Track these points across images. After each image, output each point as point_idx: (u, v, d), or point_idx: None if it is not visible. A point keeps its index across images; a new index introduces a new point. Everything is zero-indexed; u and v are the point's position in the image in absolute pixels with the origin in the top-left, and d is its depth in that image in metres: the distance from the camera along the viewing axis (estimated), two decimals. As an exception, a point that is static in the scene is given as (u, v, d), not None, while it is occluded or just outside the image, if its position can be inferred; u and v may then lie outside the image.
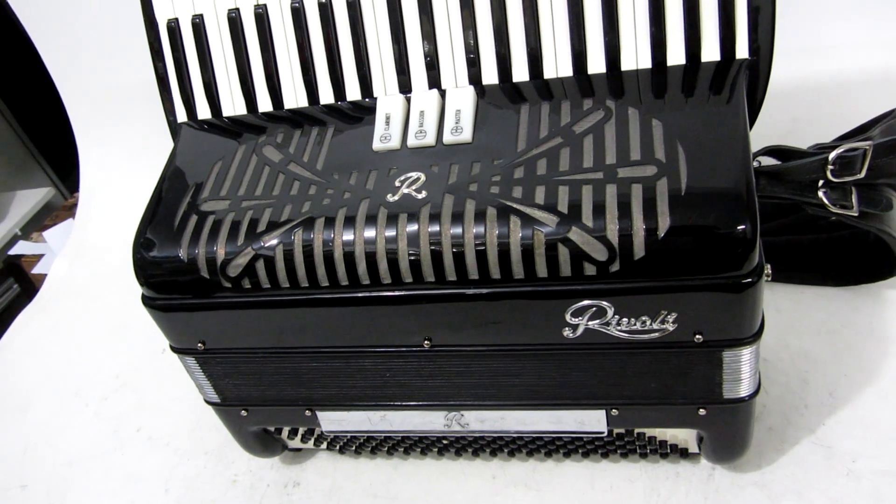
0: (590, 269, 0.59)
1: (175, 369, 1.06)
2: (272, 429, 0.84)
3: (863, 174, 0.70)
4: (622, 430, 0.74)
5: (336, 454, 0.90)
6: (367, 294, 0.65)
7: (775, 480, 0.76)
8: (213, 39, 0.78)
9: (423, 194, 0.64)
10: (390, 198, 0.64)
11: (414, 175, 0.65)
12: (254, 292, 0.67)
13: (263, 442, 0.85)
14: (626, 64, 0.69)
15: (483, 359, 0.68)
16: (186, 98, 0.80)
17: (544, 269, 0.60)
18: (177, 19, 0.78)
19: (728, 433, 0.71)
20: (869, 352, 0.85)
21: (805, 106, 1.03)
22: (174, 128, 0.82)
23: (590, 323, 0.63)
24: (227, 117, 0.79)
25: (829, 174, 0.70)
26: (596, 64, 0.70)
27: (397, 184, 0.65)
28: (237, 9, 0.76)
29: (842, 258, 0.91)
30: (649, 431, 0.75)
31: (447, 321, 0.65)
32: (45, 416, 1.07)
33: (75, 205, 1.65)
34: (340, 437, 0.84)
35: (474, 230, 0.61)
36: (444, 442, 0.81)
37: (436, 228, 0.62)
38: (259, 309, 0.68)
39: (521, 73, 0.71)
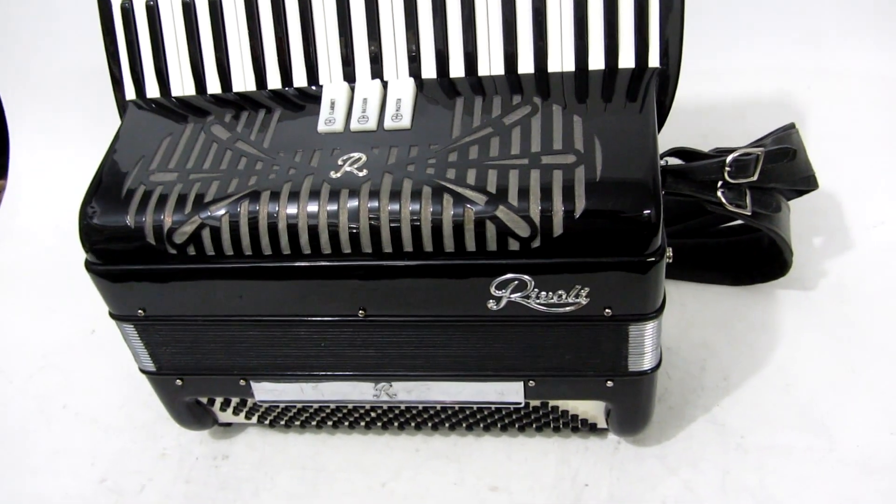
0: (514, 245, 0.66)
1: (104, 349, 1.09)
2: (204, 400, 0.87)
3: (755, 177, 0.79)
4: (538, 404, 0.81)
5: (265, 429, 0.93)
6: (307, 264, 0.69)
7: (673, 453, 0.84)
8: (167, 23, 0.81)
9: (364, 172, 0.69)
10: (333, 175, 0.69)
11: (356, 155, 0.70)
12: (198, 260, 0.71)
13: (195, 414, 0.88)
14: (553, 66, 0.76)
15: (413, 329, 0.73)
16: (136, 78, 0.83)
17: (473, 244, 0.66)
18: (131, 1, 0.81)
19: (632, 405, 0.78)
20: (760, 343, 0.94)
21: (713, 122, 1.13)
22: (122, 105, 0.84)
23: (512, 296, 0.69)
24: (175, 97, 0.82)
25: (726, 175, 0.78)
26: (525, 65, 0.76)
27: (339, 162, 0.70)
28: (192, -5, 0.80)
29: (740, 260, 1.01)
30: (562, 405, 0.81)
31: (382, 292, 0.70)
32: (-32, 394, 1.06)
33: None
34: (271, 411, 0.87)
35: (410, 206, 0.66)
36: (372, 415, 0.86)
37: (375, 204, 0.67)
38: (202, 277, 0.72)
39: (457, 69, 0.77)
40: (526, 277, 0.67)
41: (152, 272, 0.72)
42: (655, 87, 0.73)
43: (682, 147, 0.83)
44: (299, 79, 0.80)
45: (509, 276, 0.67)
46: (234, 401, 0.87)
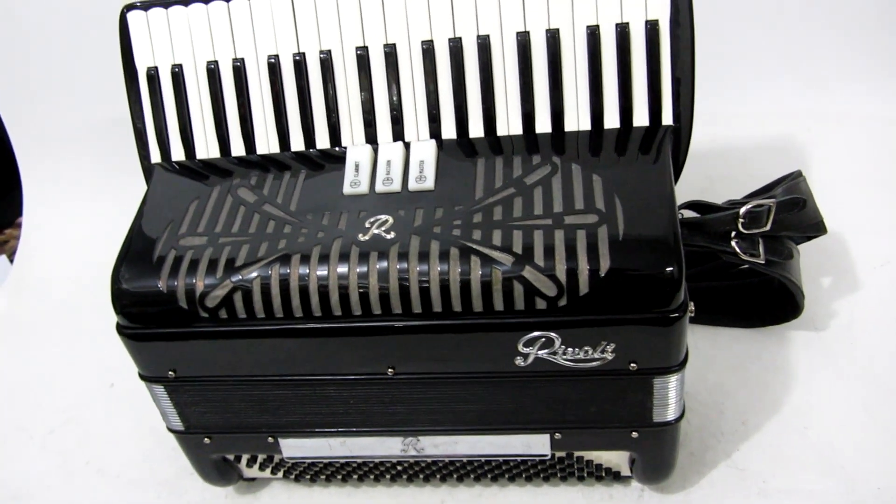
0: (540, 304, 0.67)
1: (124, 403, 1.09)
2: (231, 457, 0.88)
3: (768, 227, 0.81)
4: (563, 454, 0.82)
5: (290, 484, 0.93)
6: (338, 325, 0.71)
7: (697, 500, 0.85)
8: (191, 87, 0.83)
9: (392, 235, 0.70)
10: (361, 237, 0.71)
11: (383, 217, 0.72)
12: (230, 323, 0.72)
13: (221, 470, 0.88)
14: (569, 125, 0.79)
15: (441, 386, 0.75)
16: (161, 141, 0.85)
17: (501, 303, 0.68)
18: (156, 67, 0.83)
19: (657, 454, 0.79)
20: (775, 384, 0.96)
21: (718, 167, 1.15)
22: (148, 168, 0.86)
23: (539, 352, 0.70)
24: (200, 160, 0.84)
25: (740, 226, 0.81)
26: (542, 124, 0.79)
27: (367, 225, 0.72)
28: (216, 61, 0.82)
29: (751, 303, 1.02)
30: (587, 455, 0.82)
31: (410, 350, 0.72)
32: (-12, 450, 1.07)
33: (3, 242, 1.65)
34: (297, 466, 0.88)
35: (439, 268, 0.68)
36: (399, 468, 0.87)
37: (404, 265, 0.68)
38: (233, 338, 0.73)
39: (476, 129, 0.80)
40: (552, 334, 0.69)
41: (184, 335, 0.74)
42: (670, 144, 0.76)
43: (696, 200, 0.86)
44: (322, 140, 0.82)
45: (536, 333, 0.69)
46: (261, 457, 0.87)
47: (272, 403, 0.79)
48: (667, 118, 0.77)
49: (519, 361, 0.71)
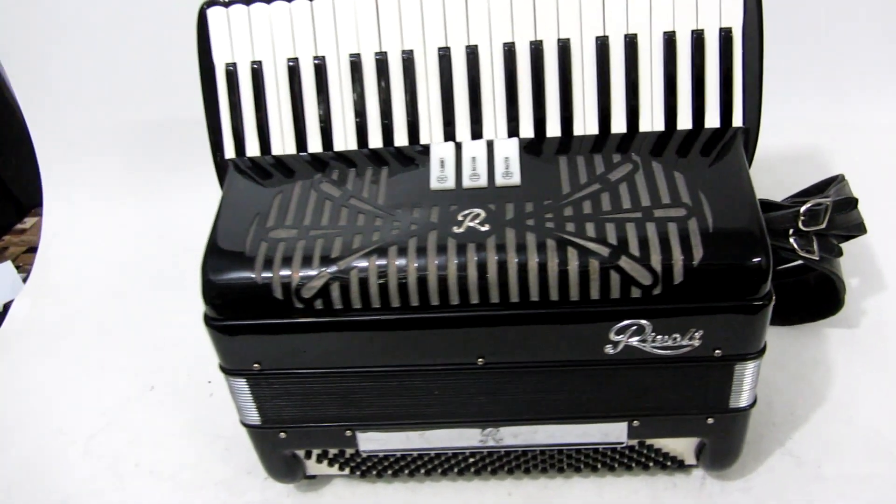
0: (635, 293, 0.70)
1: (166, 406, 1.08)
2: (301, 453, 0.88)
3: (824, 225, 0.86)
4: (634, 443, 0.84)
5: (351, 480, 0.94)
6: (434, 315, 0.72)
7: (758, 486, 0.88)
8: (269, 84, 0.84)
9: (487, 227, 0.73)
10: (456, 230, 0.73)
11: (475, 211, 0.74)
12: (324, 314, 0.73)
13: (290, 467, 0.89)
14: (643, 126, 0.82)
15: (528, 375, 0.77)
16: (237, 136, 0.85)
17: (597, 292, 0.70)
18: (235, 63, 0.84)
19: (729, 440, 0.82)
20: (816, 378, 1.00)
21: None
22: (220, 163, 0.87)
23: (630, 340, 0.73)
24: (275, 156, 0.85)
25: (800, 224, 0.85)
26: (618, 125, 0.82)
27: (460, 218, 0.74)
28: (297, 59, 0.84)
29: (788, 302, 1.07)
30: (657, 443, 0.85)
31: (504, 340, 0.74)
32: (27, 454, 1.04)
33: (5, 248, 1.61)
34: (367, 461, 0.88)
35: (537, 258, 0.70)
36: (470, 460, 0.88)
37: (502, 256, 0.71)
38: (327, 330, 0.74)
39: (553, 129, 0.83)
40: (644, 322, 0.72)
41: (275, 326, 0.74)
42: (742, 143, 0.80)
43: (759, 198, 0.90)
44: (400, 138, 0.84)
45: (628, 321, 0.72)
46: (332, 452, 0.88)
47: (355, 396, 0.80)
48: (737, 120, 0.81)
49: (608, 349, 0.74)
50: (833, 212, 0.86)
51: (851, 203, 0.88)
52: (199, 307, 1.25)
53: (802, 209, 0.84)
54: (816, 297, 1.04)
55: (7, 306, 1.40)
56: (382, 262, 0.71)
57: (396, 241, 0.72)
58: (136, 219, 1.42)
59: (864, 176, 1.04)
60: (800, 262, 0.89)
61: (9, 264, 1.51)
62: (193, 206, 1.42)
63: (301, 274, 0.72)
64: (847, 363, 1.02)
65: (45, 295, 1.33)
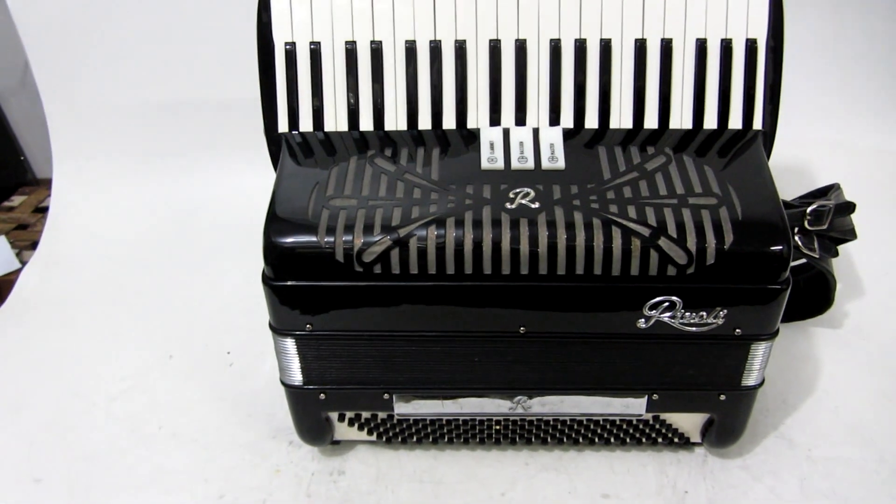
0: (671, 271, 0.77)
1: (186, 373, 1.11)
2: (335, 416, 0.92)
3: (826, 226, 0.94)
4: (649, 418, 0.91)
5: (375, 446, 0.98)
6: (486, 284, 0.78)
7: (755, 464, 0.95)
8: (327, 64, 0.89)
9: (537, 205, 0.79)
10: (509, 206, 0.79)
11: (525, 190, 0.80)
12: (382, 278, 0.78)
13: (322, 429, 0.92)
14: (673, 123, 0.89)
15: (563, 346, 0.83)
16: (292, 113, 0.90)
17: (637, 269, 0.77)
18: (294, 43, 0.89)
19: (736, 417, 0.89)
20: (805, 372, 1.08)
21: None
22: (273, 137, 0.91)
23: (662, 315, 0.80)
24: (328, 132, 0.90)
25: (805, 223, 0.93)
26: (650, 120, 0.89)
27: (511, 195, 0.80)
28: (354, 42, 0.89)
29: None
30: (669, 418, 0.92)
31: (546, 310, 0.80)
32: (46, 415, 1.05)
33: None
34: (397, 425, 0.93)
35: (584, 235, 0.76)
36: (496, 428, 0.93)
37: (552, 232, 0.77)
38: (383, 294, 0.79)
39: (591, 121, 0.89)
40: (675, 299, 0.79)
41: (333, 289, 0.79)
42: (762, 144, 0.88)
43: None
44: (448, 121, 0.90)
45: (663, 297, 0.78)
46: (365, 416, 0.92)
47: (398, 360, 0.84)
48: (757, 123, 0.89)
49: (641, 323, 0.80)
50: (835, 214, 0.95)
51: (850, 208, 0.97)
52: (213, 280, 1.30)
53: (809, 209, 0.93)
54: (806, 297, 1.13)
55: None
56: (441, 231, 0.77)
57: (454, 214, 0.78)
58: (145, 193, 1.44)
59: (847, 190, 1.13)
60: (795, 263, 0.97)
61: (2, 239, 1.51)
62: (204, 182, 1.46)
63: (363, 240, 0.77)
64: (832, 359, 1.10)
65: (55, 267, 1.34)
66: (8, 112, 1.70)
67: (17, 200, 1.74)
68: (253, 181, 1.26)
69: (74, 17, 1.35)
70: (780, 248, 0.76)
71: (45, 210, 1.62)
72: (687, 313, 0.79)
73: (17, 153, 1.77)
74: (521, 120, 0.90)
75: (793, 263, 1.00)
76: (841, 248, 1.03)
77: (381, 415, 0.91)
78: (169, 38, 1.38)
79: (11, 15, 1.33)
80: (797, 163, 1.34)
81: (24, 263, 1.41)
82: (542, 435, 0.94)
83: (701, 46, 0.88)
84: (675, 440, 0.95)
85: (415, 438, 0.95)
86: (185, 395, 1.08)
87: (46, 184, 1.75)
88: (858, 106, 1.37)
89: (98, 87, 1.41)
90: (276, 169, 0.89)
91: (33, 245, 1.47)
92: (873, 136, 1.35)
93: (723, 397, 0.87)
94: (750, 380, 0.86)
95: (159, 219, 1.42)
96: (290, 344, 0.84)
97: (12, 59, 1.60)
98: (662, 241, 0.76)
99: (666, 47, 0.88)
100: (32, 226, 1.60)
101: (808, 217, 0.93)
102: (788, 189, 1.14)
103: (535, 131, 0.87)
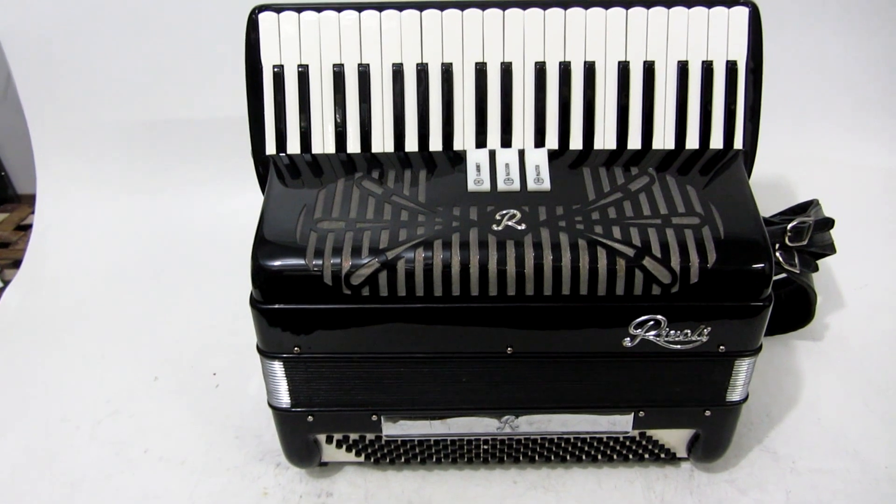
0: (656, 290, 0.78)
1: (172, 395, 1.11)
2: (322, 438, 0.92)
3: (806, 242, 0.96)
4: (636, 434, 0.92)
5: (362, 467, 0.98)
6: (474, 305, 0.79)
7: (740, 478, 0.97)
8: (314, 86, 0.90)
9: (523, 226, 0.79)
10: (495, 227, 0.79)
11: (512, 212, 0.81)
12: (370, 301, 0.78)
13: (310, 451, 0.92)
14: (656, 143, 0.91)
15: (550, 366, 0.83)
16: (280, 135, 0.90)
17: (622, 289, 0.78)
18: (282, 65, 0.89)
19: (721, 432, 0.91)
20: (788, 384, 1.10)
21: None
22: (261, 159, 0.91)
23: (647, 334, 0.81)
24: (315, 154, 0.90)
25: (786, 240, 0.95)
26: (634, 141, 0.91)
27: (498, 217, 0.81)
28: (342, 64, 0.89)
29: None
30: (656, 434, 0.93)
31: (533, 330, 0.80)
32: (30, 439, 1.04)
33: None
34: (385, 447, 0.93)
35: (570, 255, 0.77)
36: (484, 447, 0.94)
37: (538, 253, 0.77)
38: (371, 316, 0.79)
39: (576, 142, 0.91)
40: (660, 317, 0.80)
41: (321, 311, 0.79)
42: (742, 163, 0.89)
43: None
44: (435, 143, 0.90)
45: (647, 316, 0.80)
46: (353, 437, 0.92)
47: (387, 381, 0.85)
48: (738, 143, 0.91)
49: (627, 342, 0.81)
50: (814, 230, 0.96)
51: (829, 224, 0.98)
52: (198, 301, 1.30)
53: (789, 226, 0.94)
54: (787, 311, 1.14)
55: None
56: (428, 254, 0.77)
57: (441, 236, 0.78)
58: (131, 212, 1.44)
59: (825, 203, 1.16)
60: (777, 277, 0.99)
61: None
62: (190, 202, 1.46)
63: (351, 262, 0.77)
64: (814, 371, 1.12)
65: (39, 288, 1.33)
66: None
67: (-2, 218, 1.73)
68: (239, 201, 1.27)
69: (59, 34, 1.35)
70: (762, 265, 0.78)
71: (27, 228, 1.62)
72: (672, 331, 0.81)
73: (-1, 169, 1.76)
74: (506, 141, 0.91)
75: (774, 278, 1.02)
76: (821, 262, 1.05)
77: (369, 436, 0.92)
78: (155, 56, 1.38)
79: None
80: (777, 178, 1.37)
81: (5, 282, 1.40)
82: (530, 454, 0.95)
83: (682, 68, 0.90)
84: (662, 456, 0.96)
85: (403, 459, 0.96)
86: (171, 417, 1.07)
87: (28, 200, 1.74)
88: (835, 122, 1.40)
89: (83, 105, 1.40)
90: (263, 190, 0.90)
91: (15, 263, 1.47)
92: (850, 151, 1.38)
93: (708, 413, 0.88)
94: (734, 395, 0.87)
95: (145, 239, 1.41)
96: (277, 366, 0.84)
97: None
98: (647, 261, 0.77)
99: (648, 69, 0.90)
100: (14, 244, 1.58)
101: (789, 234, 0.94)
102: (769, 204, 1.16)
103: (521, 153, 0.88)
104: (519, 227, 0.79)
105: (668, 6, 0.89)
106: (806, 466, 0.98)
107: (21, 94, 1.37)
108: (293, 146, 0.91)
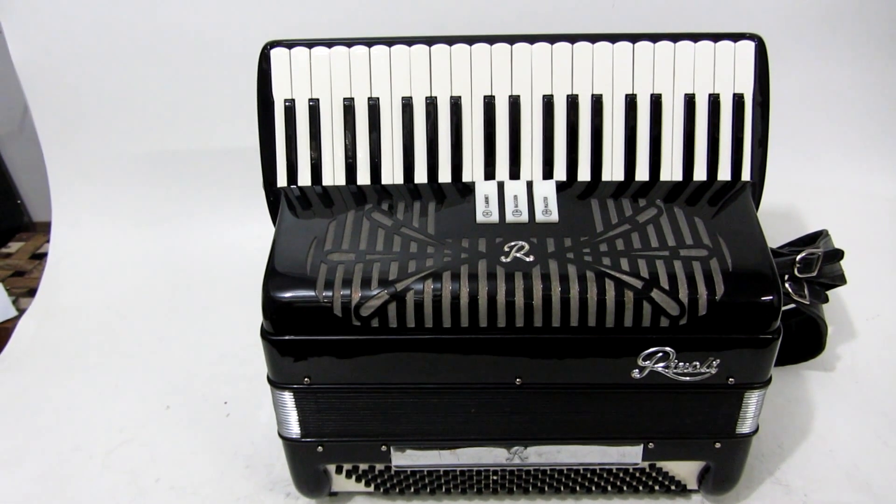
0: (664, 322, 0.78)
1: (183, 424, 1.11)
2: (333, 467, 0.92)
3: (815, 273, 0.96)
4: (646, 466, 0.91)
5: (371, 497, 0.98)
6: (483, 336, 0.79)
7: (752, 511, 0.96)
8: (325, 120, 0.91)
9: (531, 258, 0.80)
10: (504, 259, 0.80)
11: (520, 243, 0.82)
12: (380, 332, 0.79)
13: (319, 481, 0.93)
14: (664, 175, 0.91)
15: (559, 397, 0.83)
16: (291, 167, 0.92)
17: (630, 321, 0.78)
18: (293, 99, 0.91)
19: (732, 464, 0.90)
20: (800, 414, 1.09)
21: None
22: (274, 191, 0.92)
23: (655, 366, 0.81)
24: (325, 186, 0.92)
25: (795, 271, 0.95)
26: (641, 173, 0.91)
27: (506, 249, 0.81)
28: (352, 98, 0.91)
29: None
30: (665, 465, 0.92)
31: (542, 362, 0.81)
32: (42, 469, 1.05)
33: None
34: (395, 477, 0.93)
35: (578, 287, 0.78)
36: (493, 478, 0.94)
37: (547, 285, 0.78)
38: (381, 347, 0.80)
39: (584, 174, 0.91)
40: (669, 349, 0.80)
41: (331, 342, 0.80)
42: (750, 195, 0.90)
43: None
44: (444, 175, 0.92)
45: (656, 348, 0.80)
46: (363, 468, 0.92)
47: (396, 412, 0.85)
48: (745, 174, 0.92)
49: (635, 374, 0.81)
50: (824, 262, 0.96)
51: (839, 255, 0.98)
52: (209, 330, 1.30)
53: (798, 257, 0.95)
54: (798, 341, 1.14)
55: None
56: (437, 285, 0.78)
57: (450, 268, 0.79)
58: (144, 242, 1.45)
59: (835, 235, 1.15)
60: (787, 308, 0.99)
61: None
62: (203, 233, 1.48)
63: (360, 294, 0.78)
64: (826, 402, 1.11)
65: (53, 316, 1.34)
66: (6, 155, 1.72)
67: (14, 247, 1.75)
68: (251, 232, 1.28)
69: (75, 64, 1.37)
70: (771, 297, 0.78)
71: (42, 256, 1.64)
72: (680, 363, 0.81)
73: (14, 197, 1.79)
74: (515, 173, 0.92)
75: (784, 308, 1.02)
76: (831, 292, 1.05)
77: (379, 466, 0.92)
78: (170, 88, 1.40)
79: (13, 60, 1.35)
80: (786, 209, 1.37)
81: (20, 311, 1.42)
82: (539, 485, 0.95)
83: (689, 101, 0.91)
84: (672, 488, 0.95)
85: (412, 490, 0.95)
86: (182, 446, 1.07)
87: (43, 227, 1.77)
88: (844, 153, 1.40)
89: (98, 135, 1.42)
90: (274, 222, 0.91)
91: (30, 292, 1.48)
92: (860, 181, 1.38)
93: (718, 445, 0.88)
94: (745, 427, 0.87)
95: (158, 269, 1.42)
96: (287, 397, 0.84)
97: (10, 103, 1.63)
98: (655, 293, 0.78)
99: (655, 102, 0.91)
100: (29, 272, 1.60)
101: (798, 265, 0.95)
102: (777, 235, 1.16)
103: (529, 185, 0.89)
104: (527, 259, 0.80)
105: (675, 40, 0.90)
106: (818, 499, 0.97)
107: (37, 124, 1.39)
108: (304, 178, 0.92)
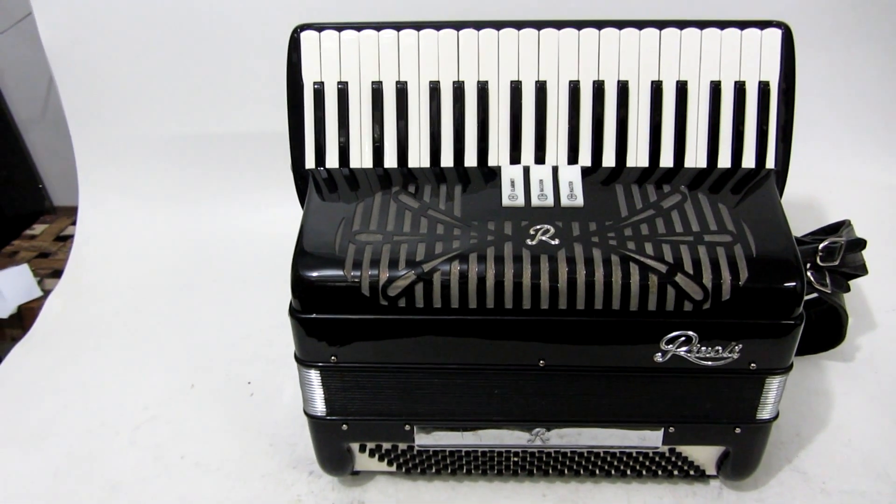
0: (688, 307, 0.79)
1: (208, 402, 1.13)
2: (356, 446, 0.94)
3: (837, 262, 0.96)
4: (665, 450, 0.92)
5: (393, 477, 0.99)
6: (504, 317, 0.80)
7: (769, 497, 0.97)
8: (353, 102, 0.92)
9: (557, 241, 0.81)
10: (529, 242, 0.81)
11: (545, 227, 0.83)
12: (406, 312, 0.80)
13: (343, 459, 0.94)
14: (689, 162, 0.92)
15: (582, 379, 0.84)
16: (319, 149, 0.93)
17: (654, 304, 0.79)
18: (323, 82, 0.92)
19: (751, 450, 0.91)
20: (818, 404, 1.10)
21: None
22: (301, 173, 0.94)
23: (678, 350, 0.81)
24: (353, 168, 0.93)
25: (818, 259, 0.96)
26: (666, 159, 0.92)
27: (532, 232, 0.82)
28: (381, 81, 0.92)
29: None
30: (685, 451, 0.93)
31: (566, 344, 0.82)
32: (70, 444, 1.07)
33: (15, 252, 1.64)
34: (417, 456, 0.94)
35: (602, 270, 0.79)
36: (514, 460, 0.95)
37: (572, 268, 0.79)
38: (407, 327, 0.81)
39: (609, 160, 0.92)
40: (692, 333, 0.80)
41: (358, 321, 0.81)
42: (774, 183, 0.90)
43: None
44: (470, 159, 0.93)
45: (679, 332, 0.80)
46: (385, 447, 0.94)
47: (420, 392, 0.86)
48: (769, 162, 0.92)
49: (658, 358, 0.82)
50: (846, 251, 0.97)
51: (861, 244, 0.99)
52: (233, 311, 1.32)
53: (821, 246, 0.95)
54: (818, 331, 1.14)
55: (22, 307, 1.43)
56: (464, 266, 0.79)
57: (476, 249, 0.80)
58: (170, 223, 1.47)
59: (857, 224, 1.16)
60: (807, 297, 0.99)
61: (25, 267, 1.54)
62: (228, 214, 1.50)
63: (388, 274, 0.79)
64: (844, 392, 1.12)
65: (79, 296, 1.36)
66: (28, 141, 1.75)
67: (38, 229, 1.78)
68: (277, 214, 1.29)
69: (104, 47, 1.39)
70: (794, 284, 0.79)
71: (66, 238, 1.66)
72: (703, 348, 0.81)
73: (37, 181, 1.81)
74: (540, 158, 0.92)
75: (805, 298, 1.03)
76: (852, 282, 1.05)
77: (402, 446, 0.93)
78: (197, 71, 1.42)
79: (42, 43, 1.37)
80: (808, 198, 1.37)
81: (45, 292, 1.45)
82: (559, 467, 0.96)
83: (715, 88, 0.91)
84: (691, 473, 0.96)
85: (434, 469, 0.97)
86: (207, 423, 1.09)
87: (65, 211, 1.80)
88: (868, 143, 1.40)
89: (125, 118, 1.44)
90: (302, 204, 0.92)
91: (55, 273, 1.51)
92: (883, 172, 1.38)
93: (738, 430, 0.88)
94: (765, 413, 0.87)
95: (183, 250, 1.44)
96: (314, 375, 0.86)
97: (33, 89, 1.65)
98: (679, 278, 0.78)
99: (681, 89, 0.91)
100: (54, 254, 1.63)
101: (821, 254, 0.95)
102: (800, 224, 1.16)
103: (555, 169, 0.90)
104: (552, 242, 0.81)
105: (701, 27, 0.91)
106: (836, 488, 0.98)
107: (65, 106, 1.41)
108: (332, 160, 0.93)
